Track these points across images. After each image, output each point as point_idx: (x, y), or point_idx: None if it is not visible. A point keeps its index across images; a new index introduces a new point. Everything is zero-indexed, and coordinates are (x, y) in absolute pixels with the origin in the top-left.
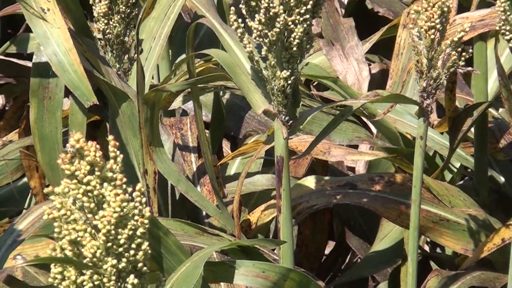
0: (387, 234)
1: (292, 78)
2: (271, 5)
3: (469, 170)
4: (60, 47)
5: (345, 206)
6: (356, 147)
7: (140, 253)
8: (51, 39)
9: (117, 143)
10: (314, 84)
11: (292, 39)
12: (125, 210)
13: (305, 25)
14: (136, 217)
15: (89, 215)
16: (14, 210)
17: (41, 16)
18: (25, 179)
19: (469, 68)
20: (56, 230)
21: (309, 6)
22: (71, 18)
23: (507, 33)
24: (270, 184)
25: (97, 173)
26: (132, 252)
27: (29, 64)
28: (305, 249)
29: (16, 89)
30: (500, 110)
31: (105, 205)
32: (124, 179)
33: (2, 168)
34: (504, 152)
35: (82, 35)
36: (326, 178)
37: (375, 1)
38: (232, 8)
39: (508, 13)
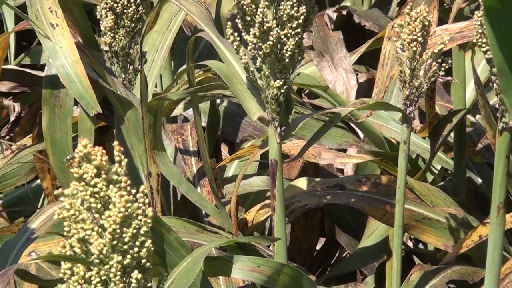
0: (374, 231)
1: (284, 87)
2: (265, 20)
3: (449, 172)
4: (67, 60)
5: (335, 206)
6: (344, 151)
7: (144, 250)
8: (59, 52)
9: (122, 148)
10: (306, 92)
11: (284, 51)
12: (129, 210)
13: (296, 38)
14: (140, 217)
15: (96, 215)
16: (28, 209)
17: (49, 31)
18: (38, 181)
19: (449, 78)
20: (66, 229)
21: (300, 21)
22: (80, 32)
23: (484, 45)
24: (265, 185)
25: (104, 176)
26: (136, 249)
27: (42, 74)
28: (298, 246)
29: (30, 97)
30: (477, 116)
31: (111, 206)
32: (129, 182)
33: (17, 170)
34: (481, 155)
35: (90, 47)
36: (317, 179)
37: (361, 16)
38: (229, 22)
39: (484, 26)
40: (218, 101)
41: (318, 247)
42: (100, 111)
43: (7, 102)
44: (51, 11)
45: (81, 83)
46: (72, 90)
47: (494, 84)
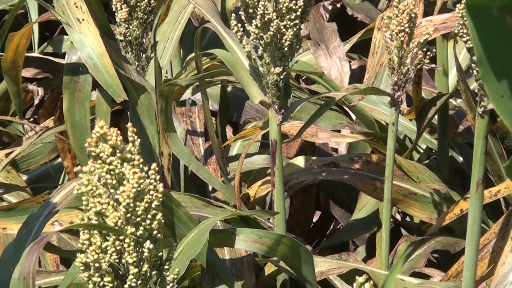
0: (365, 205)
1: (284, 73)
2: (266, 12)
3: (433, 151)
4: (94, 52)
5: (330, 182)
6: (339, 131)
7: (155, 222)
8: (86, 44)
9: (135, 129)
10: (303, 78)
11: (284, 40)
12: (142, 186)
13: (295, 29)
14: (152, 192)
15: (112, 190)
16: (50, 185)
17: (76, 25)
18: (59, 159)
19: (433, 65)
20: (84, 203)
21: (298, 13)
22: (98, 23)
23: (464, 35)
24: (266, 163)
25: (118, 154)
26: (148, 221)
27: (63, 61)
28: (296, 218)
29: (52, 82)
30: (459, 100)
31: (125, 182)
32: (141, 160)
33: (40, 149)
34: (463, 136)
35: (107, 37)
36: (313, 158)
37: (354, 8)
38: (233, 14)
39: (465, 18)
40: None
41: (314, 220)
42: (126, 98)
43: (31, 87)
44: (77, 6)
45: (108, 73)
46: (99, 79)
47: (474, 71)
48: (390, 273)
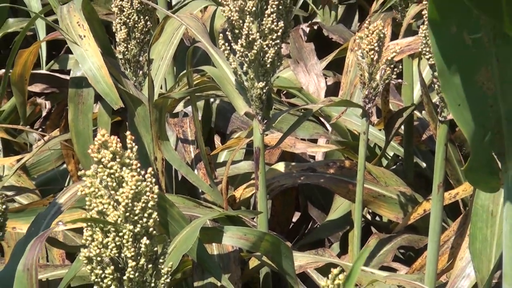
0: (339, 206)
1: (266, 88)
2: (250, 32)
3: (399, 157)
4: (94, 65)
5: (307, 185)
6: (315, 140)
7: (151, 220)
8: (87, 58)
9: (133, 137)
10: (284, 92)
11: (266, 58)
12: (139, 188)
13: (276, 48)
14: (148, 193)
15: (112, 192)
16: (57, 188)
17: (78, 41)
18: (64, 165)
19: (400, 80)
20: (87, 203)
21: (279, 34)
22: (100, 43)
23: (427, 53)
24: (250, 169)
25: (118, 159)
26: (144, 220)
27: (68, 77)
28: (277, 218)
29: (59, 96)
30: (423, 112)
31: (124, 184)
32: (139, 164)
33: (48, 156)
34: (425, 144)
35: (108, 55)
36: (293, 164)
37: (329, 30)
38: (221, 35)
39: (428, 37)
40: (212, 99)
41: (294, 219)
42: (122, 105)
43: (39, 100)
44: (79, 25)
45: (106, 83)
46: (98, 89)
47: (436, 85)
48: (355, 263)
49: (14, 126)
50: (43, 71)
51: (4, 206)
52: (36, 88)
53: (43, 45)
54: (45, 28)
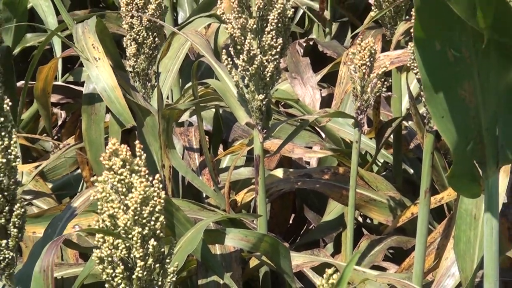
0: (333, 210)
1: (266, 99)
2: (251, 48)
3: (389, 164)
4: (108, 86)
5: (304, 190)
6: (311, 148)
7: (158, 223)
8: (102, 79)
9: (142, 146)
10: (282, 104)
11: (266, 72)
12: (147, 193)
13: (275, 63)
14: (155, 198)
15: (122, 197)
16: (71, 193)
17: (93, 63)
18: (79, 171)
19: (389, 93)
20: (99, 207)
21: (278, 49)
22: (111, 58)
23: (415, 68)
24: (250, 174)
25: (128, 166)
26: (152, 222)
27: (82, 89)
28: (275, 220)
29: (73, 106)
30: (410, 122)
31: (133, 190)
32: (147, 171)
33: (63, 163)
34: (413, 152)
35: (118, 69)
36: (290, 170)
37: (324, 46)
38: (224, 50)
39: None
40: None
41: (291, 221)
42: (134, 124)
43: (56, 110)
44: (94, 47)
45: (119, 104)
46: (112, 108)
47: (423, 98)
48: (348, 264)
49: (32, 135)
50: (59, 82)
51: (22, 210)
52: (53, 98)
53: (59, 59)
54: (60, 44)
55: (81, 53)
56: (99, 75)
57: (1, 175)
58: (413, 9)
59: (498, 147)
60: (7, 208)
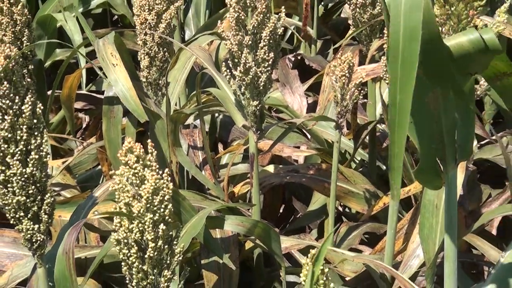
0: (317, 200)
1: (259, 105)
2: (247, 61)
3: (365, 161)
4: (124, 87)
5: (292, 183)
6: (298, 147)
7: (167, 210)
8: (119, 82)
9: (153, 144)
10: (274, 109)
11: (260, 82)
12: (157, 184)
13: (267, 74)
14: (165, 189)
15: (136, 188)
16: (93, 185)
17: (111, 68)
18: (99, 166)
19: (365, 100)
20: (116, 196)
21: (270, 62)
22: (127, 69)
23: (387, 78)
24: (246, 170)
25: (141, 162)
26: (162, 210)
27: (103, 97)
28: (268, 209)
29: (95, 112)
30: (383, 125)
31: (145, 182)
32: (157, 166)
33: (87, 159)
34: (386, 151)
35: (134, 79)
36: (280, 166)
37: (310, 60)
38: (224, 63)
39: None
40: (216, 115)
41: (281, 211)
42: (147, 119)
43: (80, 115)
44: (112, 55)
45: (134, 102)
46: (128, 106)
47: None
48: (324, 242)
49: (61, 135)
50: (84, 91)
51: (52, 199)
52: (78, 105)
53: (84, 71)
54: (84, 58)
55: (100, 61)
56: (116, 78)
57: (34, 169)
58: (385, 29)
59: (456, 147)
60: (39, 197)
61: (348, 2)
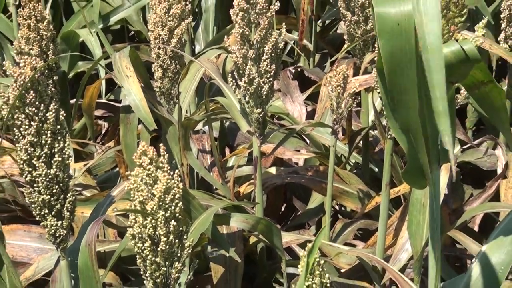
0: (315, 199)
1: (262, 113)
2: (251, 73)
3: (359, 164)
4: (136, 97)
5: (292, 184)
6: (298, 151)
7: (178, 208)
8: (131, 92)
9: (165, 148)
10: (276, 117)
11: (262, 91)
12: (169, 184)
13: (270, 84)
14: (175, 188)
15: (149, 187)
16: (111, 185)
17: (126, 80)
18: (117, 168)
19: (359, 108)
20: (132, 195)
21: (272, 74)
22: (142, 80)
23: (378, 88)
24: (250, 171)
25: (154, 164)
26: (173, 207)
27: (120, 105)
28: (270, 208)
29: (113, 119)
30: (375, 131)
31: (158, 182)
32: (169, 167)
33: (105, 161)
34: (377, 154)
35: (148, 89)
36: (282, 168)
37: (309, 71)
38: (230, 74)
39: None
40: (224, 121)
41: (282, 209)
42: (156, 127)
43: (100, 122)
44: (126, 67)
45: (144, 111)
46: (139, 114)
47: (384, 112)
48: (317, 237)
49: (82, 141)
50: (103, 100)
51: (73, 197)
52: (98, 112)
53: (103, 82)
54: (104, 70)
55: (116, 73)
56: (129, 89)
57: (57, 170)
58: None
59: (439, 150)
60: (61, 196)
61: (344, 19)
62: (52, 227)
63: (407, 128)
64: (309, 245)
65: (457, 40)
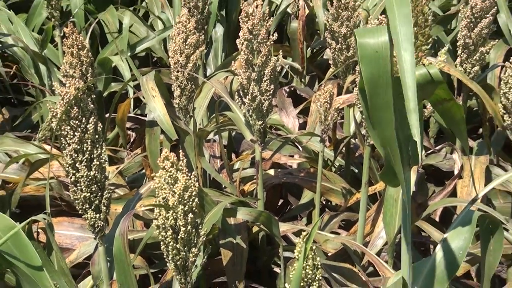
0: (306, 196)
1: (263, 125)
2: (253, 91)
3: (342, 167)
4: (160, 113)
5: (288, 183)
6: (292, 156)
7: (194, 203)
8: (156, 109)
9: (184, 154)
10: (274, 127)
11: (263, 107)
12: (187, 183)
13: (269, 101)
14: (192, 187)
15: (171, 186)
16: (138, 184)
17: (151, 99)
18: (143, 170)
19: (342, 120)
20: (156, 193)
21: (271, 92)
22: (164, 98)
23: (359, 104)
24: (253, 173)
25: (174, 166)
26: (190, 202)
27: (146, 119)
28: (269, 203)
29: (140, 130)
30: (356, 140)
31: (178, 181)
32: (187, 170)
33: (134, 165)
34: (358, 159)
35: (168, 105)
36: (279, 170)
37: (301, 90)
38: (236, 93)
39: (359, 97)
40: (232, 132)
41: (279, 204)
42: (177, 137)
43: (129, 132)
44: (152, 89)
45: (168, 124)
46: (162, 127)
47: (364, 124)
48: (312, 227)
49: (115, 148)
50: (132, 114)
51: (109, 195)
52: (127, 124)
53: (132, 100)
54: (132, 89)
55: (143, 93)
56: (155, 106)
57: (96, 172)
58: (357, 66)
59: (409, 154)
60: (99, 193)
61: (329, 47)
62: (92, 219)
63: (383, 138)
64: (304, 233)
65: (424, 65)
